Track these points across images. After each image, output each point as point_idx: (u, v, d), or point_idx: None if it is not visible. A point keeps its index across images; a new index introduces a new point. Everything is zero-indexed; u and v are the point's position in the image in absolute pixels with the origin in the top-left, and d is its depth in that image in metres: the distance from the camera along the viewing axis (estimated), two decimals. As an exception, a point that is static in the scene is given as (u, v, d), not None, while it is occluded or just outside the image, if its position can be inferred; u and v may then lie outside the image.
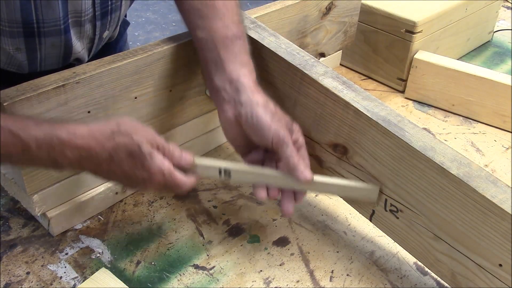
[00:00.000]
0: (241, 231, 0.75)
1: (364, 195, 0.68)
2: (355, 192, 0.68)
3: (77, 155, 0.57)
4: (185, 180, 0.63)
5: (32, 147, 0.54)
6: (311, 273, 0.69)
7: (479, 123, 1.02)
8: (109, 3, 0.79)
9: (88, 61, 0.81)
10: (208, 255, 0.71)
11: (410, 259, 0.71)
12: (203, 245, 0.72)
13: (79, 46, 0.80)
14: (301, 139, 0.68)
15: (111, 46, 0.94)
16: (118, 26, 0.91)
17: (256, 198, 0.68)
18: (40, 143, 0.55)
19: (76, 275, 0.67)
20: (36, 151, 0.55)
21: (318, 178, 0.67)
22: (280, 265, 0.70)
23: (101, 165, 0.59)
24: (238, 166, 0.67)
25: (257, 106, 0.64)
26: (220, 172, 0.66)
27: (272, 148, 0.65)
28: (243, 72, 0.66)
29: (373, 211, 0.69)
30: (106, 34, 0.85)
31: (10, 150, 0.54)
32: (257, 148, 0.69)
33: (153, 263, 0.69)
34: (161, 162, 0.61)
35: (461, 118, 1.04)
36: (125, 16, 0.97)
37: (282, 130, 0.64)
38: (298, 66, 0.70)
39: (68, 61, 0.81)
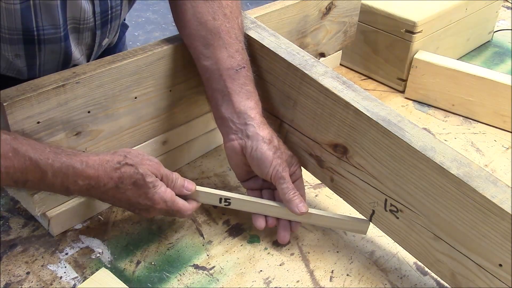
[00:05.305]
0: (241, 231, 0.75)
1: (356, 228, 0.72)
2: (348, 225, 0.72)
3: (87, 184, 0.60)
4: (187, 206, 0.68)
5: (48, 175, 0.58)
6: (311, 273, 0.69)
7: (479, 123, 1.02)
8: (109, 12, 0.79)
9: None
10: (208, 255, 0.71)
11: (410, 259, 0.71)
12: (203, 245, 0.72)
13: (77, 53, 0.81)
14: (298, 171, 0.73)
15: (110, 50, 0.94)
16: (118, 32, 0.91)
17: (255, 226, 0.72)
18: (56, 172, 0.58)
19: (76, 275, 0.67)
20: (51, 179, 0.58)
21: (312, 211, 0.71)
22: (280, 265, 0.70)
23: (107, 193, 0.62)
24: (237, 196, 0.71)
25: (262, 141, 0.68)
26: (220, 200, 0.70)
27: (270, 181, 0.70)
28: (249, 105, 0.69)
29: (373, 211, 0.69)
30: (105, 41, 0.85)
31: (28, 176, 0.57)
32: (257, 176, 0.73)
33: (153, 263, 0.69)
34: (164, 192, 0.65)
35: (461, 118, 1.04)
36: (124, 19, 0.97)
37: (282, 166, 0.69)
38: (298, 66, 0.70)
39: (67, 67, 0.81)
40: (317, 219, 0.72)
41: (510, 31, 1.37)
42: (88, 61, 0.85)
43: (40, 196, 0.67)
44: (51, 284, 0.65)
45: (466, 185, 0.57)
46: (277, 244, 0.73)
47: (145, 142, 0.77)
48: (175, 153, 0.83)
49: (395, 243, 0.68)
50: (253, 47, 0.75)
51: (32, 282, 0.65)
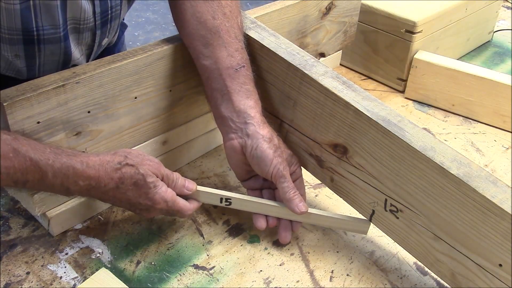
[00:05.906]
0: (241, 231, 0.75)
1: (356, 228, 0.72)
2: (348, 225, 0.72)
3: (87, 184, 0.60)
4: (188, 206, 0.68)
5: (48, 176, 0.58)
6: (311, 273, 0.69)
7: (479, 123, 1.02)
8: (109, 11, 0.79)
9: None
10: (208, 255, 0.71)
11: (410, 259, 0.71)
12: (203, 245, 0.72)
13: (77, 53, 0.81)
14: (298, 171, 0.74)
15: (110, 50, 0.94)
16: (117, 32, 0.92)
17: (256, 227, 0.72)
18: (56, 173, 0.58)
19: (76, 275, 0.67)
20: (51, 179, 0.58)
21: (312, 211, 0.71)
22: (280, 265, 0.70)
23: (107, 193, 0.63)
24: (238, 196, 0.71)
25: (262, 139, 0.68)
26: (221, 200, 0.70)
27: (271, 179, 0.70)
28: (249, 104, 0.69)
29: (373, 211, 0.69)
30: (105, 41, 0.85)
31: (28, 177, 0.57)
32: (257, 176, 0.73)
33: (153, 263, 0.69)
34: (164, 192, 0.65)
35: (461, 118, 1.04)
36: (123, 19, 0.98)
37: (282, 165, 0.69)
38: (298, 66, 0.70)
39: (67, 67, 0.81)
40: (317, 219, 0.72)
41: (510, 31, 1.37)
42: (87, 61, 0.85)
43: (40, 196, 0.67)
44: (51, 284, 0.65)
45: (466, 185, 0.57)
46: (277, 244, 0.73)
47: (145, 142, 0.77)
48: (175, 153, 0.83)
49: (395, 243, 0.68)
50: (253, 47, 0.75)
51: (32, 282, 0.65)
